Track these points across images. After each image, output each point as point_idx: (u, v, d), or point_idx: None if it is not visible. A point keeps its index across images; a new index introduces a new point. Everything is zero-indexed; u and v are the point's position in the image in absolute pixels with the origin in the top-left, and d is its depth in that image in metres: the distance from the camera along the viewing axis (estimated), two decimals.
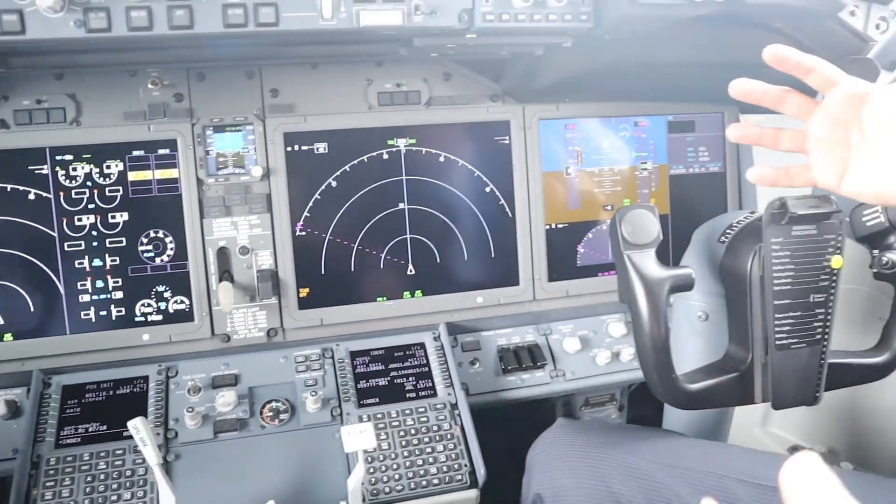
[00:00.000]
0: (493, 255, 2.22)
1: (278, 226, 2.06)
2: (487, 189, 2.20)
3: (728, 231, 1.66)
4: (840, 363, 1.64)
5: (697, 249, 1.75)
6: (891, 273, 1.64)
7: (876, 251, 1.66)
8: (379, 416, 1.95)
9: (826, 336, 1.54)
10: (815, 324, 1.53)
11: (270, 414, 1.93)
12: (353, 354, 2.08)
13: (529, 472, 1.60)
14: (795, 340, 1.53)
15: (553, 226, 2.26)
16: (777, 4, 1.63)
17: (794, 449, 2.54)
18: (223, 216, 2.03)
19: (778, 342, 1.51)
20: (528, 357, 2.18)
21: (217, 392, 1.94)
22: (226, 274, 2.03)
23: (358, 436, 1.59)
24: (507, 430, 2.42)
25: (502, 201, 2.21)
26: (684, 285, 1.49)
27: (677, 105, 2.36)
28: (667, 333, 1.47)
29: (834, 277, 1.51)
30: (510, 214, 2.22)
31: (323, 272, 2.10)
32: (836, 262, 1.48)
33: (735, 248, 1.62)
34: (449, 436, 1.93)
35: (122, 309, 1.99)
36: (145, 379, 1.97)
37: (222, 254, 2.04)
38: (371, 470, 1.83)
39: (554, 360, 2.22)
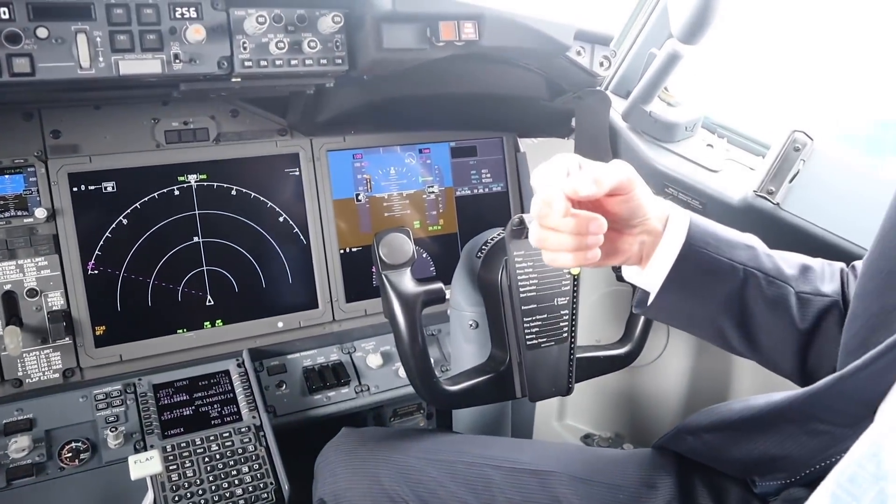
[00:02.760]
0: (290, 280, 2.31)
1: (68, 266, 2.05)
2: (281, 219, 2.29)
3: (483, 247, 1.85)
4: (589, 356, 1.87)
5: (463, 265, 1.93)
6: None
7: None
8: (184, 444, 1.99)
9: (573, 334, 1.75)
10: (562, 324, 1.74)
11: (70, 455, 1.92)
12: (157, 387, 2.11)
13: (316, 479, 1.71)
14: (545, 340, 1.73)
15: (347, 250, 2.39)
16: (511, 48, 1.86)
17: (586, 437, 2.82)
18: (7, 259, 2.00)
19: (529, 342, 1.70)
20: (333, 375, 2.28)
21: (9, 439, 1.90)
22: (13, 318, 2.00)
23: (144, 463, 1.64)
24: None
25: (296, 229, 2.31)
26: (437, 299, 1.66)
27: (459, 132, 2.55)
28: (424, 342, 1.64)
29: (575, 283, 1.73)
30: (305, 242, 2.32)
31: (119, 309, 2.11)
32: (574, 269, 1.70)
33: (488, 262, 1.81)
34: (254, 457, 2.00)
35: None
36: None
37: (9, 297, 2.00)
38: (176, 498, 1.87)
39: (358, 376, 2.33)
